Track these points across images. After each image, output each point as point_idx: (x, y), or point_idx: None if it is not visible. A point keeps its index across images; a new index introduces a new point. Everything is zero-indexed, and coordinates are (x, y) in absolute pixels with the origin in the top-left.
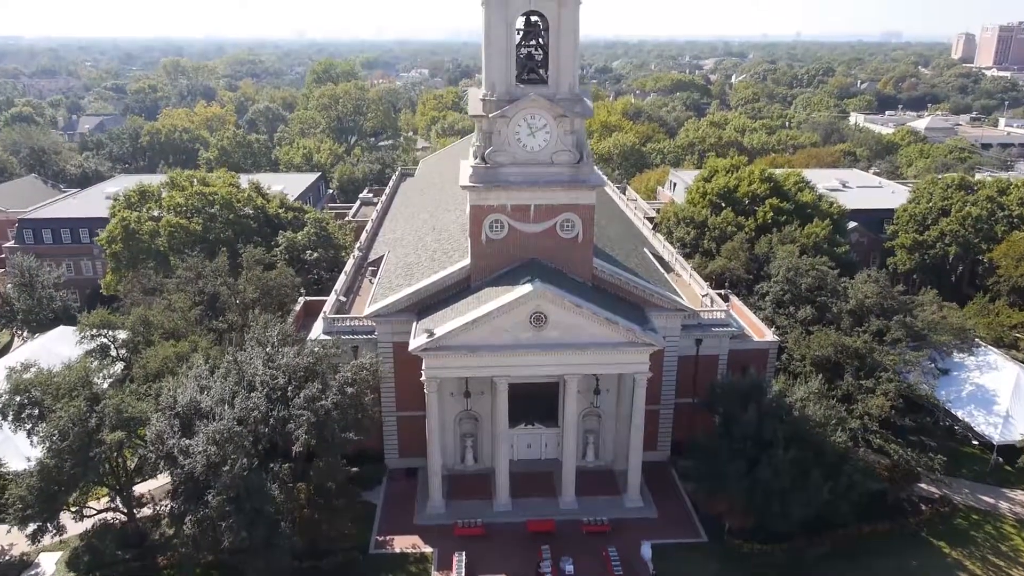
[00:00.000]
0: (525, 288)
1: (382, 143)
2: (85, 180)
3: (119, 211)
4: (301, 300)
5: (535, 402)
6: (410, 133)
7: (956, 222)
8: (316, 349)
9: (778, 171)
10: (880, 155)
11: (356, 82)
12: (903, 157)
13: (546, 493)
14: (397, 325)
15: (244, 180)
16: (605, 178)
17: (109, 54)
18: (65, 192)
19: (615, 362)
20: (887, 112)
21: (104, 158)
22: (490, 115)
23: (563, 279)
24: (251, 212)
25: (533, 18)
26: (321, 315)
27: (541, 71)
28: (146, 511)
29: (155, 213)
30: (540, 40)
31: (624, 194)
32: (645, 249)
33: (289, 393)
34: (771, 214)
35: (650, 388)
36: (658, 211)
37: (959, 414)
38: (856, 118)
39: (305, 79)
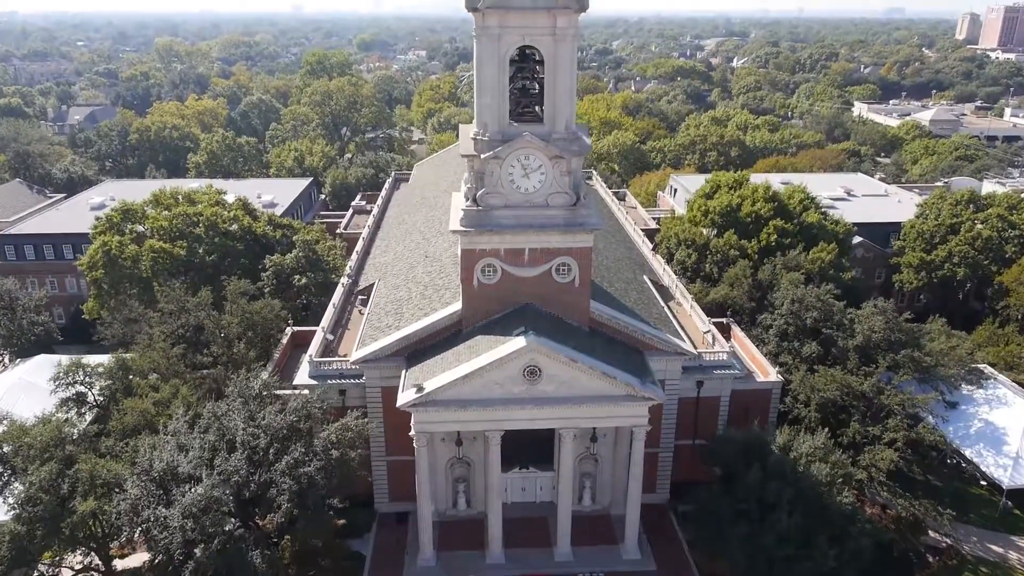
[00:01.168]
0: (518, 342)
1: (377, 134)
2: (71, 185)
3: (100, 232)
4: (288, 331)
5: (529, 445)
6: (406, 128)
7: (965, 242)
8: (299, 405)
9: (781, 183)
10: (884, 150)
11: (350, 77)
12: (907, 153)
13: (541, 542)
14: (386, 370)
15: (232, 191)
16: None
17: (103, 31)
18: (50, 198)
19: (613, 415)
20: (891, 101)
21: (92, 157)
22: (482, 156)
23: (559, 325)
24: (238, 231)
25: (528, 51)
26: (307, 357)
27: (536, 108)
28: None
29: (140, 228)
30: (535, 75)
31: (623, 201)
32: (645, 276)
33: (271, 456)
34: (775, 236)
35: (649, 431)
36: (658, 221)
37: (967, 453)
38: (860, 109)
39: (299, 70)
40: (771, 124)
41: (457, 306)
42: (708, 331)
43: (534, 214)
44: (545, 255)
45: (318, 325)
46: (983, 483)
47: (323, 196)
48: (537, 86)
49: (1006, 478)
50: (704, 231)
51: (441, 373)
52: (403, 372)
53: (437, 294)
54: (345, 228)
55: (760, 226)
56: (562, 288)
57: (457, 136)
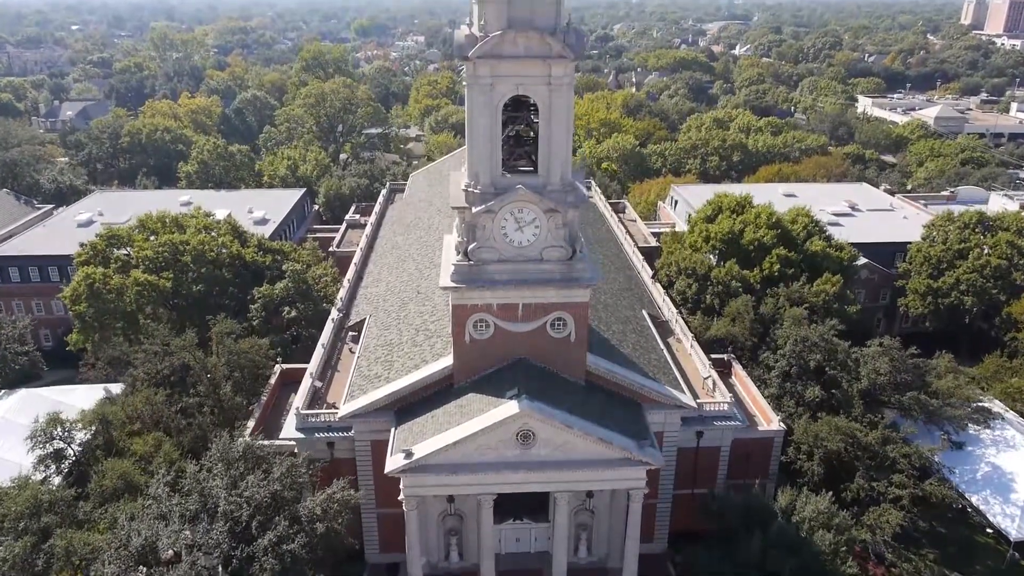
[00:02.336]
0: (511, 407)
1: (372, 136)
2: (60, 195)
3: (84, 262)
4: (277, 369)
5: (524, 496)
6: (403, 129)
7: (973, 269)
8: (283, 473)
9: (784, 194)
10: (889, 150)
11: (344, 79)
12: (913, 155)
13: None
14: (375, 424)
15: (223, 204)
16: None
17: (98, 13)
18: (38, 208)
19: (609, 479)
20: (895, 95)
21: (82, 161)
22: (473, 209)
23: (553, 381)
24: (226, 258)
25: (522, 97)
26: (294, 410)
27: (530, 156)
28: None
29: (126, 254)
30: (529, 122)
31: (623, 213)
32: (644, 312)
33: (254, 529)
34: (778, 266)
35: (647, 481)
36: (658, 237)
37: (973, 499)
38: (864, 104)
39: (295, 64)
40: (774, 126)
41: (448, 360)
42: (708, 376)
43: (528, 268)
44: (540, 310)
45: (307, 360)
46: (989, 530)
47: (316, 207)
48: (531, 132)
49: (1013, 529)
50: (705, 259)
51: (431, 437)
52: (392, 430)
53: (428, 341)
54: (338, 246)
55: (763, 254)
56: (557, 343)
57: (455, 136)
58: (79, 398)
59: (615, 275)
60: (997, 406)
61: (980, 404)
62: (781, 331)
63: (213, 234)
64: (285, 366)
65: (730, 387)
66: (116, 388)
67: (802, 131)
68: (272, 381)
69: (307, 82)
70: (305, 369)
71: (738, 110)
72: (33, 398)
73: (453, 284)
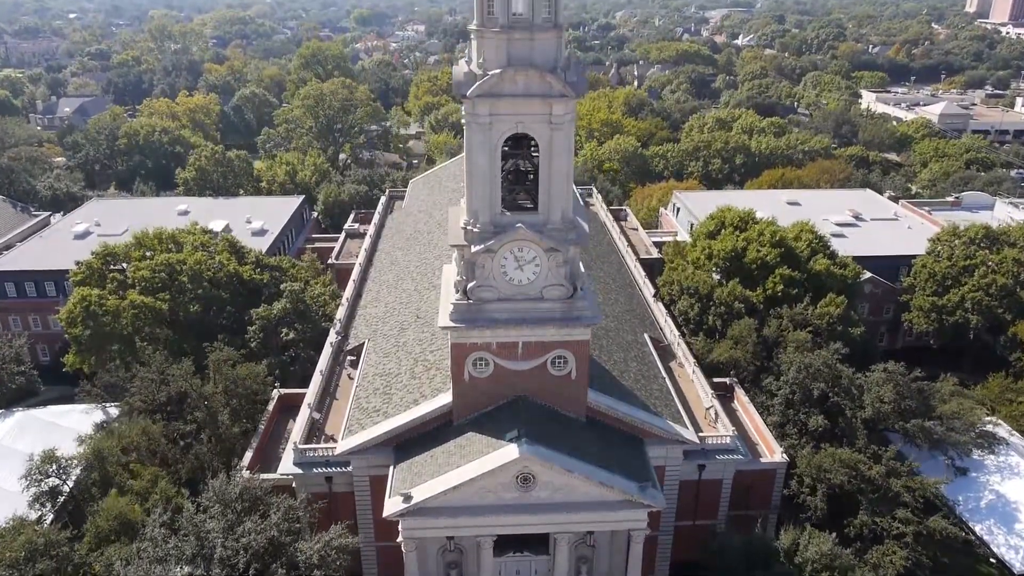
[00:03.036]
0: (510, 451)
1: (371, 134)
2: (56, 201)
3: (80, 282)
4: (275, 394)
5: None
6: (402, 129)
7: (979, 289)
8: (279, 519)
9: (788, 202)
10: (893, 148)
11: (343, 79)
12: (917, 155)
13: None
14: (374, 459)
15: (222, 213)
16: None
17: (96, 1)
18: (35, 216)
19: (610, 520)
20: (899, 89)
21: (80, 163)
22: (473, 248)
23: (554, 418)
24: (223, 278)
25: (521, 134)
26: (291, 444)
27: (530, 193)
28: None
29: (122, 271)
30: (528, 157)
31: (624, 221)
32: (646, 336)
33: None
34: (781, 286)
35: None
36: (660, 248)
37: (977, 529)
38: (867, 99)
39: (294, 59)
40: (777, 127)
41: (447, 397)
42: (711, 407)
43: (528, 307)
44: (540, 348)
45: (306, 383)
46: (992, 560)
47: (315, 214)
48: (531, 166)
49: (1018, 561)
50: (708, 279)
51: (430, 479)
52: (391, 468)
53: (427, 374)
54: (337, 258)
55: (766, 273)
56: (558, 381)
57: (455, 136)
58: (76, 421)
59: (616, 295)
60: (1003, 429)
61: (985, 429)
62: (785, 356)
63: (210, 251)
64: (283, 391)
65: (732, 412)
66: (114, 409)
67: (805, 131)
68: (270, 408)
69: (306, 80)
70: (303, 395)
71: (740, 109)
72: (30, 421)
73: (452, 324)
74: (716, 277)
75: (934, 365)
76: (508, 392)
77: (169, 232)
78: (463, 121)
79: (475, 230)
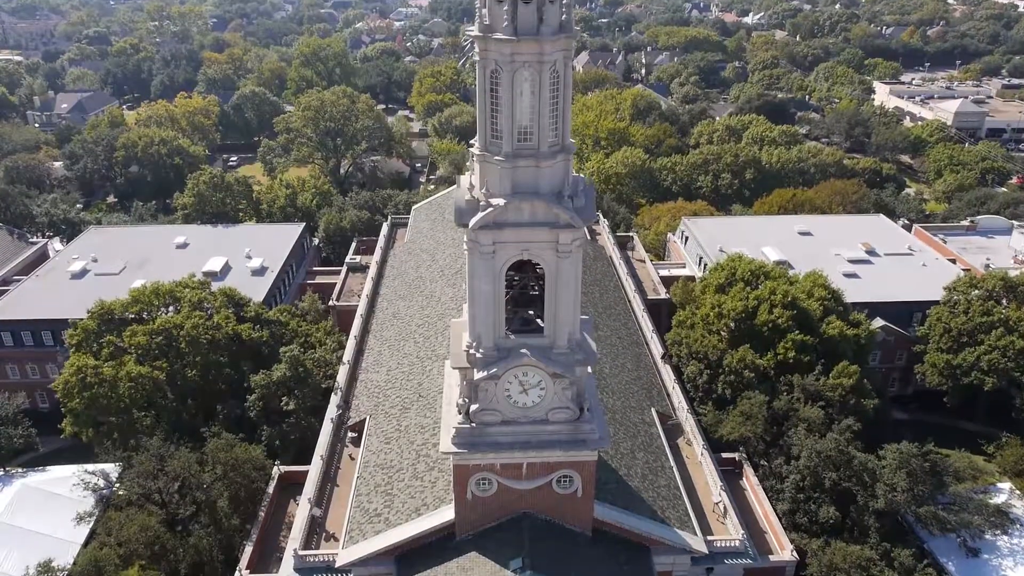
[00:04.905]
0: None
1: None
2: (54, 225)
3: (76, 345)
4: (276, 472)
5: None
6: (407, 117)
7: (995, 349)
8: None
9: (799, 232)
10: (907, 151)
11: (344, 88)
12: (932, 162)
13: None
14: (375, 569)
15: (220, 246)
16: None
17: None
18: (32, 244)
19: None
20: (913, 76)
21: (78, 174)
22: (476, 374)
23: (559, 535)
24: (222, 339)
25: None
26: (291, 552)
27: (535, 314)
28: None
29: (118, 331)
30: (534, 279)
31: (631, 251)
32: (654, 411)
33: None
34: (793, 353)
35: None
36: (668, 287)
37: None
38: (881, 92)
39: (293, 62)
40: (788, 135)
41: (449, 513)
42: (719, 501)
43: (533, 430)
44: (545, 468)
45: (307, 453)
46: None
47: (316, 241)
48: (537, 287)
49: None
50: (717, 342)
51: None
52: None
53: (430, 474)
54: (338, 298)
55: (777, 336)
56: (563, 499)
57: (459, 140)
58: (76, 489)
59: (624, 358)
60: (1016, 504)
61: (998, 505)
62: (796, 437)
63: (208, 309)
64: (284, 468)
65: (740, 491)
66: (113, 471)
67: (816, 129)
68: (270, 489)
69: (307, 78)
70: (304, 472)
71: (750, 115)
72: (29, 492)
73: (455, 449)
74: (725, 335)
75: (947, 412)
76: (512, 509)
77: (166, 287)
78: (465, 248)
79: (478, 355)
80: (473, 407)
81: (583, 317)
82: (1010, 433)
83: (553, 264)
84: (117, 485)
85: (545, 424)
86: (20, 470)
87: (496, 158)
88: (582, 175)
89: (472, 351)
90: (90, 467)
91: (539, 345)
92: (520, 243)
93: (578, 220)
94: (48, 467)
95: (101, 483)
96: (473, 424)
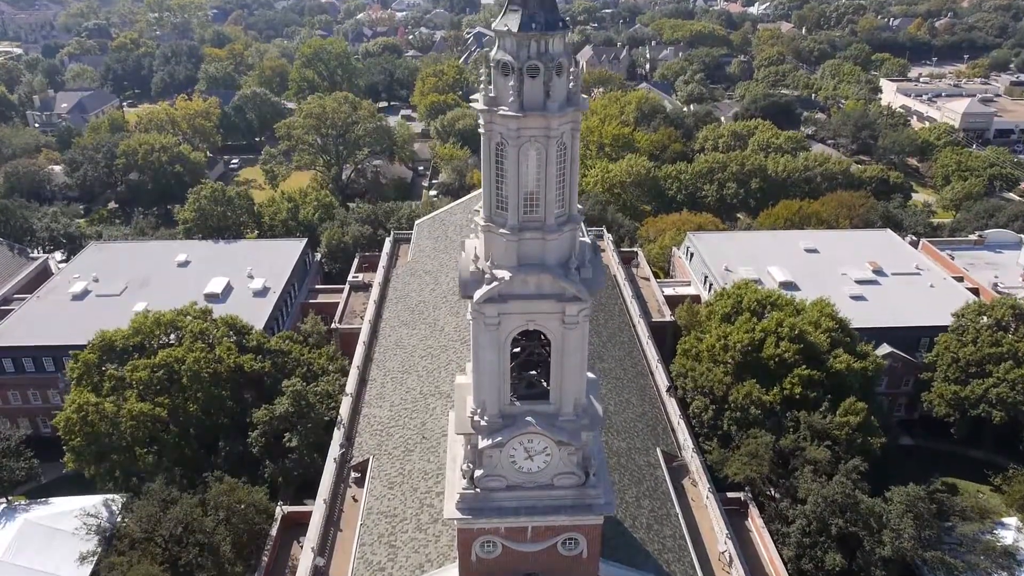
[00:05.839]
0: None
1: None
2: (54, 240)
3: (77, 378)
4: (278, 513)
5: None
6: (409, 117)
7: (1003, 384)
8: None
9: (806, 250)
10: (914, 154)
11: (345, 94)
12: (939, 167)
13: None
14: None
15: (222, 264)
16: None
17: None
18: (32, 260)
19: None
20: (920, 71)
21: (78, 182)
22: (481, 443)
23: None
24: (224, 372)
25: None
26: None
27: (541, 381)
28: None
29: (117, 368)
30: (540, 345)
31: (636, 268)
32: (659, 451)
33: None
34: (799, 389)
35: None
36: (673, 308)
37: None
38: (888, 90)
39: (295, 63)
40: (794, 142)
41: (453, 572)
42: (725, 550)
43: (538, 495)
44: (550, 531)
45: (310, 489)
46: None
47: (319, 256)
48: (543, 353)
49: None
50: (722, 376)
51: None
52: None
53: (433, 527)
54: (340, 320)
55: (784, 370)
56: (568, 560)
57: (462, 145)
58: (80, 526)
59: (629, 393)
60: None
61: (1006, 547)
62: (802, 480)
63: (210, 340)
64: (287, 509)
65: (745, 532)
66: (116, 502)
67: (822, 139)
68: (274, 532)
69: (308, 78)
70: (308, 513)
71: (756, 120)
72: (31, 530)
73: (460, 515)
74: (732, 364)
75: (953, 438)
76: (517, 569)
77: (168, 317)
78: (469, 318)
79: (483, 423)
80: (478, 473)
81: (589, 376)
82: (1017, 464)
83: (559, 334)
84: (120, 522)
85: (550, 489)
86: (23, 502)
87: (502, 230)
88: (588, 240)
89: (477, 418)
90: (93, 499)
91: (545, 412)
92: (526, 314)
93: (585, 293)
94: (51, 499)
95: (105, 524)
96: (478, 490)
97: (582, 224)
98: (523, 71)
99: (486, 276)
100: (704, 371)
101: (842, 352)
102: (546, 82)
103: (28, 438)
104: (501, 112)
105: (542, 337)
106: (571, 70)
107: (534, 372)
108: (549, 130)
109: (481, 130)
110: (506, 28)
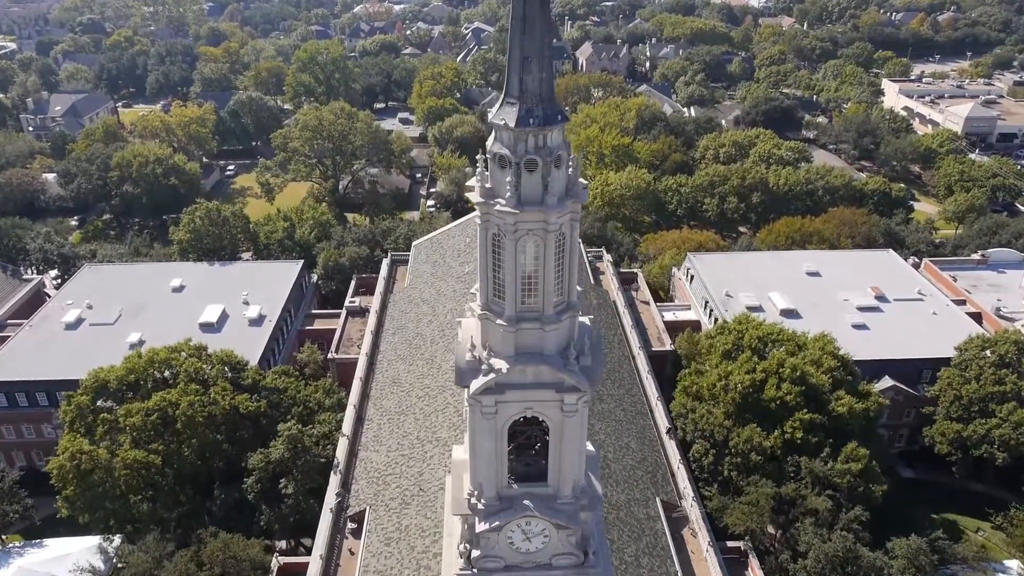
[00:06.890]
0: None
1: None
2: (47, 260)
3: (70, 421)
4: (275, 565)
5: None
6: (406, 118)
7: (1006, 425)
8: None
9: (807, 272)
10: (916, 161)
11: (342, 105)
12: (942, 176)
13: None
14: None
15: (217, 288)
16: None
17: None
18: (26, 281)
19: None
20: (923, 72)
21: (72, 194)
22: (478, 527)
23: None
24: (219, 415)
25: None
26: None
27: (539, 462)
28: None
29: (119, 384)
30: (538, 430)
31: (636, 291)
32: (659, 503)
33: None
34: (800, 433)
35: None
36: (674, 337)
37: None
38: (890, 91)
39: (291, 67)
40: (796, 151)
41: None
42: None
43: (537, 575)
44: None
45: (306, 531)
46: None
47: (316, 278)
48: (541, 436)
49: None
50: (723, 418)
51: None
52: None
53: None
54: (336, 350)
55: (785, 412)
56: None
57: (460, 154)
58: (76, 562)
59: (628, 437)
60: None
61: None
62: (803, 532)
63: (205, 379)
64: (283, 560)
65: None
66: (111, 543)
67: (824, 144)
68: None
69: (304, 83)
70: (305, 564)
71: (757, 130)
72: (30, 566)
73: None
74: (732, 405)
75: (955, 475)
76: None
77: (162, 355)
78: (466, 405)
79: (480, 506)
80: (475, 553)
81: (589, 450)
82: (1018, 502)
83: (558, 421)
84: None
85: (549, 569)
86: (17, 543)
87: (499, 321)
88: (588, 322)
89: (474, 500)
90: (88, 541)
91: (543, 495)
92: (524, 402)
93: (585, 383)
94: (46, 540)
95: (101, 573)
96: (475, 570)
97: (581, 245)
98: (520, 165)
99: (483, 366)
100: (704, 413)
101: (844, 394)
102: (544, 175)
103: (23, 475)
104: (498, 207)
105: (541, 422)
106: (569, 160)
107: (532, 451)
108: (547, 224)
109: (477, 220)
110: (503, 122)
